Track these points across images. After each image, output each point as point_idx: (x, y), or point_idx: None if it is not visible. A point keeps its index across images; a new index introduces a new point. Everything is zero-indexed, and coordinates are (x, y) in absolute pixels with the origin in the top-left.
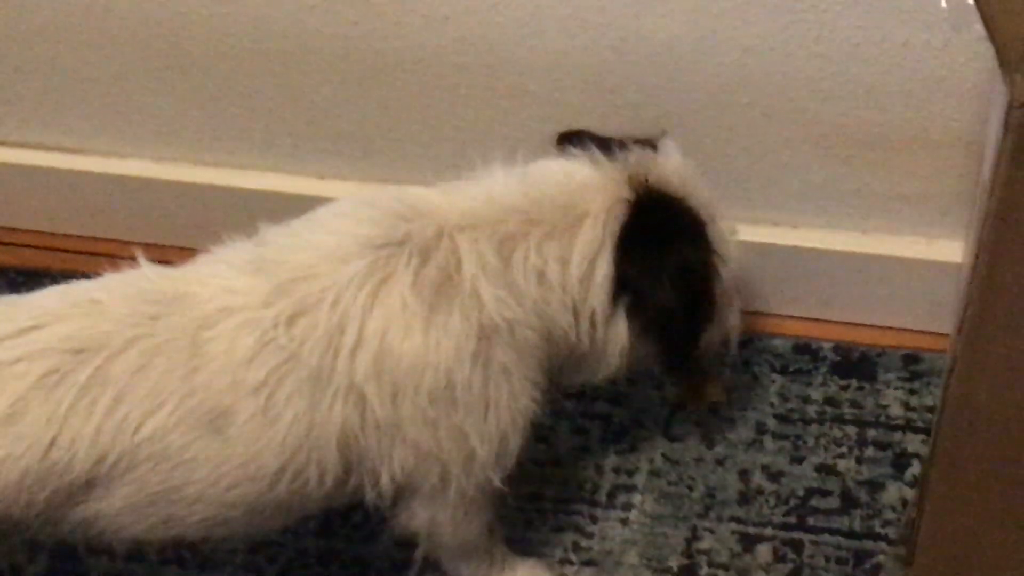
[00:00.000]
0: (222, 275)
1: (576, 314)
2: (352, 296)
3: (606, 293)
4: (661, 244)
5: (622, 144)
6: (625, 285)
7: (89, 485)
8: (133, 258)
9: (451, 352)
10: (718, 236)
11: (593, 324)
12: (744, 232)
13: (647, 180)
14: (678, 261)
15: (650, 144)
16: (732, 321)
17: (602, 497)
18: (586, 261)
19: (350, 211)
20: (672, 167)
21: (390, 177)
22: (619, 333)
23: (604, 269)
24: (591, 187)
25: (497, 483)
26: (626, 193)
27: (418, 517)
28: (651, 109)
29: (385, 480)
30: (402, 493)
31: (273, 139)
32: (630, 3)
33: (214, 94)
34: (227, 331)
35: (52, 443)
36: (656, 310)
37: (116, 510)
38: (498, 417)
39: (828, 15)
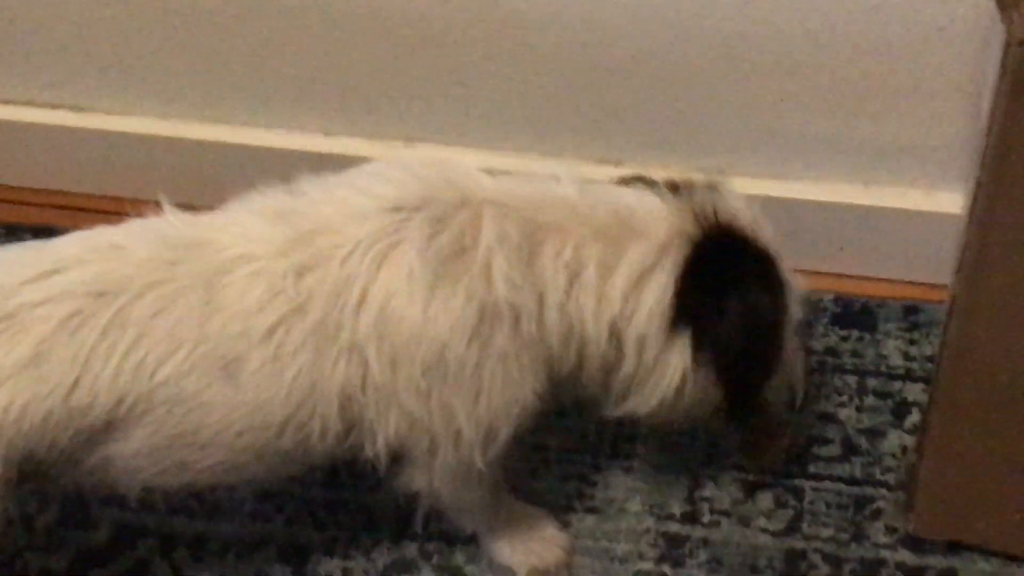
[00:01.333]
0: (244, 223)
1: (612, 329)
2: (360, 256)
3: (662, 319)
4: (731, 280)
5: (687, 184)
6: (686, 317)
7: (109, 427)
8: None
9: (447, 328)
10: (787, 279)
11: (640, 349)
12: (744, 186)
13: (716, 215)
14: (749, 299)
15: (712, 186)
16: (798, 373)
17: (606, 446)
18: (635, 276)
19: (382, 172)
20: (739, 206)
21: (397, 134)
22: (674, 365)
23: (658, 293)
24: (656, 212)
25: (481, 465)
26: (691, 226)
27: (415, 481)
28: (650, 62)
29: (380, 442)
30: (397, 457)
31: (278, 95)
32: None
33: (219, 50)
34: (241, 278)
35: (75, 385)
36: (722, 347)
37: (132, 452)
38: (489, 402)
39: None
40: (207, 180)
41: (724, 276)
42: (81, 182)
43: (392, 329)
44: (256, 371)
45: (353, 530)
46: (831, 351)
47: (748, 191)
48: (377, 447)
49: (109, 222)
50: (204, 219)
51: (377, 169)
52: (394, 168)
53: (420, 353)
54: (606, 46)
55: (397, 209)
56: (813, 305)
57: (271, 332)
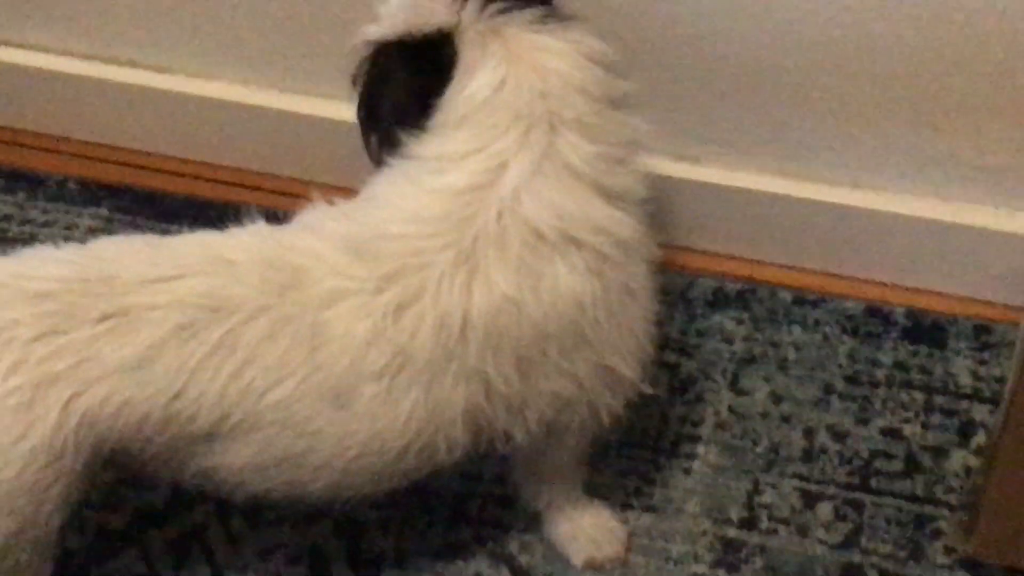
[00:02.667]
0: (327, 257)
1: None
2: (448, 289)
3: None
4: None
5: None
6: None
7: (211, 438)
8: (219, 181)
9: (569, 305)
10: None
11: None
12: (824, 193)
13: None
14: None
15: None
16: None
17: (666, 445)
18: None
19: (411, 194)
20: None
21: None
22: None
23: None
24: None
25: (647, 390)
26: None
27: (544, 450)
28: (738, 65)
29: (520, 437)
30: (536, 438)
31: None
32: None
33: (305, 23)
34: (343, 314)
35: (178, 394)
36: None
37: (238, 467)
38: (633, 332)
39: None
40: (283, 149)
41: None
42: (160, 142)
43: (508, 341)
44: (369, 402)
45: (409, 510)
46: (899, 365)
47: (826, 198)
48: (516, 443)
49: (186, 184)
50: (293, 240)
51: (407, 192)
52: (414, 189)
53: (551, 343)
54: (692, 43)
55: (460, 227)
56: (884, 317)
57: (382, 372)
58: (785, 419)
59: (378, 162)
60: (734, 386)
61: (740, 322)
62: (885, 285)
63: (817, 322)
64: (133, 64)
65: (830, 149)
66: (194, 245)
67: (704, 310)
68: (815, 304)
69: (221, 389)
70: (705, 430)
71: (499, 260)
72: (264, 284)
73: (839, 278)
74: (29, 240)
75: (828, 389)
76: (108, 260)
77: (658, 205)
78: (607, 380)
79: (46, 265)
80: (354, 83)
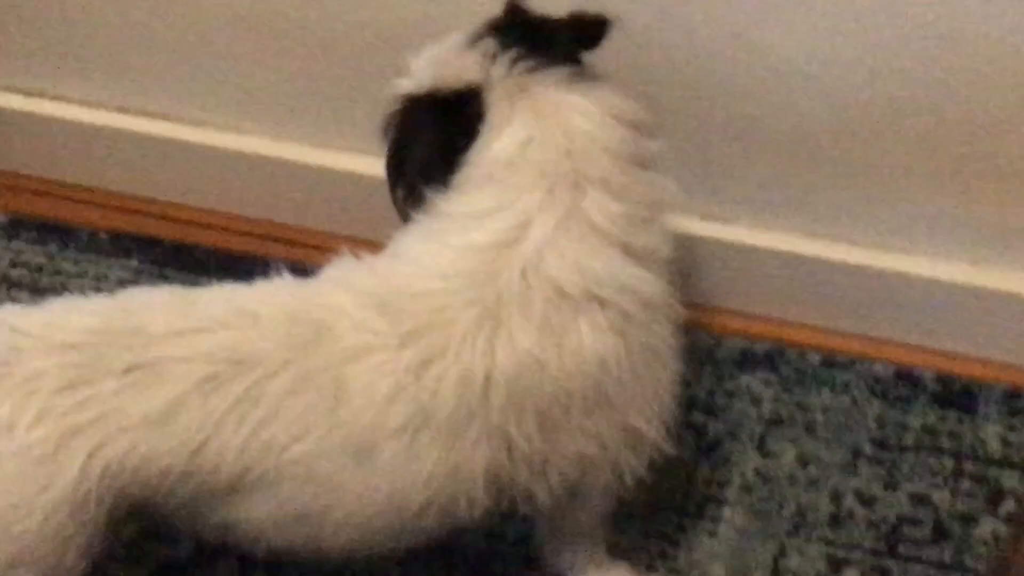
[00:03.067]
0: (352, 313)
1: None
2: (471, 347)
3: None
4: None
5: None
6: None
7: (232, 491)
8: (248, 234)
9: (592, 364)
10: None
11: None
12: (854, 255)
13: None
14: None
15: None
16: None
17: (691, 507)
18: None
19: (435, 250)
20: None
21: None
22: None
23: None
24: None
25: (670, 450)
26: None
27: (567, 511)
28: (768, 126)
29: (542, 497)
30: (559, 499)
31: None
32: (754, 18)
33: (337, 78)
34: (366, 370)
35: (200, 448)
36: None
37: (259, 520)
38: (657, 393)
39: (958, 44)
40: (317, 203)
41: None
42: (193, 195)
43: (531, 398)
44: (390, 459)
45: (432, 569)
46: (928, 430)
47: (855, 260)
48: (538, 503)
49: (215, 236)
50: (317, 294)
51: (431, 249)
52: (439, 245)
53: (575, 402)
54: (723, 103)
55: (484, 286)
56: (913, 381)
57: (403, 429)
58: (812, 483)
59: (405, 217)
60: (761, 448)
61: (768, 383)
62: (914, 348)
63: (846, 385)
64: (165, 117)
65: (859, 211)
66: (220, 298)
67: (732, 371)
68: (844, 366)
69: (243, 443)
70: (731, 492)
71: (522, 318)
72: (288, 339)
73: (868, 340)
74: (59, 290)
75: (856, 453)
76: (134, 312)
77: (686, 264)
78: (630, 441)
79: (73, 316)
80: (383, 136)
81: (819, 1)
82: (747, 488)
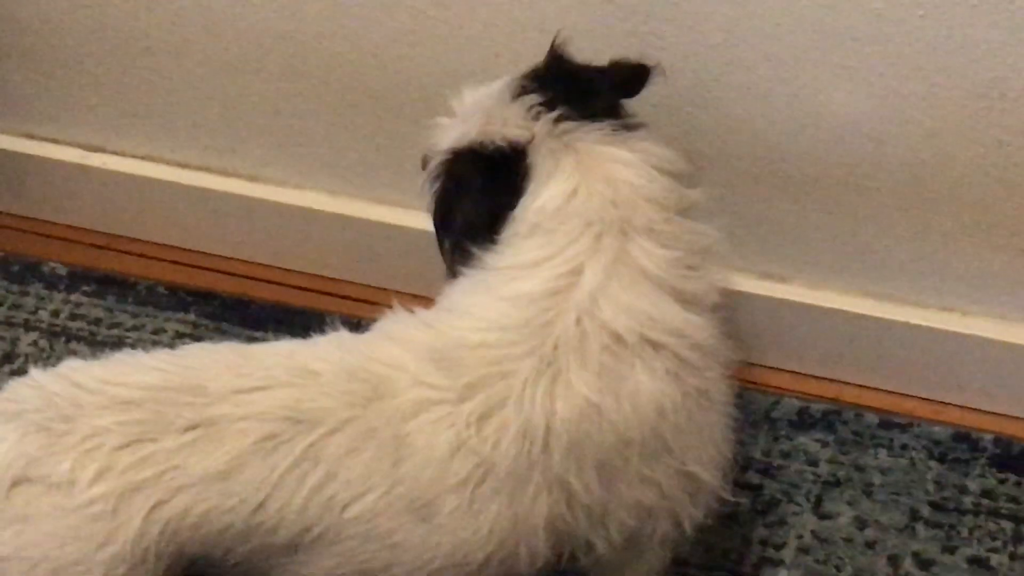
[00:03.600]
0: (410, 366)
1: None
2: (531, 397)
3: None
4: None
5: None
6: None
7: (291, 549)
8: (304, 288)
9: (650, 409)
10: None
11: None
12: (912, 315)
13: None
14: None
15: None
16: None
17: (747, 568)
18: None
19: (490, 297)
20: None
21: None
22: None
23: None
24: None
25: (726, 495)
26: None
27: (625, 565)
28: (827, 186)
29: (602, 547)
30: (616, 551)
31: None
32: (812, 78)
33: (394, 134)
34: (426, 426)
35: (260, 506)
36: None
37: None
38: (713, 438)
39: (1017, 105)
40: (369, 257)
41: None
42: (250, 250)
43: (591, 446)
44: (452, 514)
45: None
46: (987, 493)
47: (914, 321)
48: (597, 554)
49: (267, 291)
50: (374, 350)
51: (484, 301)
52: (490, 298)
53: (633, 450)
54: (784, 162)
55: (539, 333)
56: (971, 444)
57: (464, 482)
58: (869, 545)
59: (453, 271)
60: (818, 509)
61: (825, 444)
62: (973, 410)
63: (903, 446)
64: (223, 172)
65: (917, 271)
66: (279, 355)
67: (788, 431)
68: (902, 428)
69: (304, 502)
70: (787, 554)
71: (580, 365)
72: (347, 396)
73: (926, 402)
74: (117, 343)
75: (914, 515)
76: (195, 369)
77: (743, 323)
78: (688, 487)
79: (133, 372)
80: (428, 187)
81: (878, 62)
82: (804, 550)
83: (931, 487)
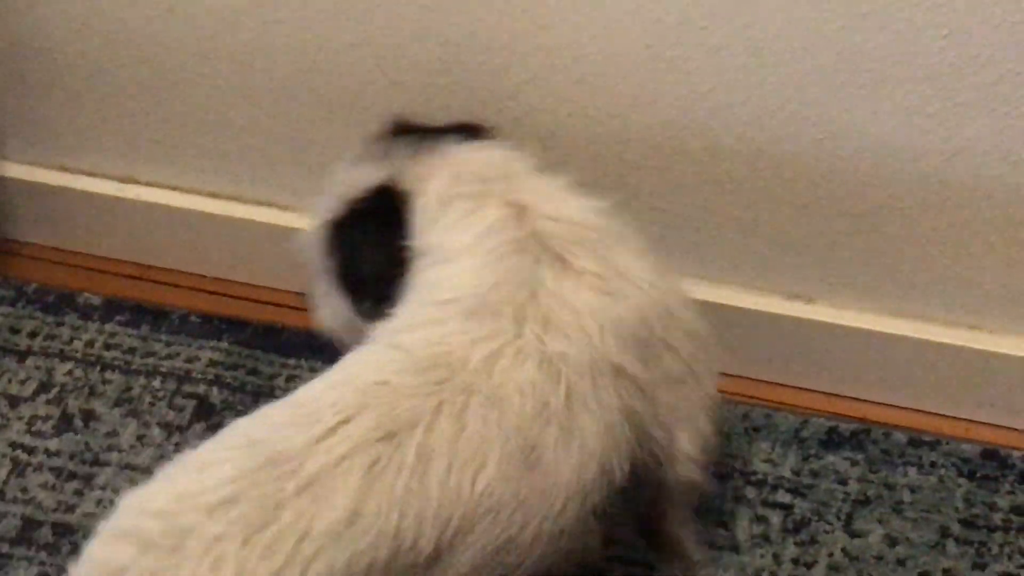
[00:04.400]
0: (457, 329)
1: None
2: (561, 296)
3: None
4: None
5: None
6: None
7: (434, 559)
8: None
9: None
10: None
11: None
12: (940, 334)
13: None
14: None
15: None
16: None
17: None
18: None
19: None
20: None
21: None
22: None
23: None
24: None
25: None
26: None
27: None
28: (854, 204)
29: (661, 440)
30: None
31: None
32: (841, 99)
33: None
34: (507, 372)
35: (397, 528)
36: None
37: None
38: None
39: None
40: None
41: None
42: (282, 279)
43: (621, 324)
44: (555, 447)
45: None
46: (1017, 510)
47: (941, 339)
48: (659, 460)
49: (302, 319)
50: (415, 337)
51: (451, 272)
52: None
53: (654, 322)
54: (807, 182)
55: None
56: (1001, 461)
57: (557, 407)
58: (900, 562)
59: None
60: (848, 528)
61: (854, 463)
62: (1002, 428)
63: (933, 464)
64: (256, 202)
65: (945, 290)
66: (338, 386)
67: (818, 450)
68: (931, 446)
69: (436, 504)
70: (818, 572)
71: (579, 253)
72: (425, 386)
73: (955, 420)
74: (152, 372)
75: (944, 533)
76: (264, 441)
77: (772, 344)
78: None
79: (207, 475)
80: (322, 262)
81: (907, 80)
82: (835, 568)
83: (961, 504)
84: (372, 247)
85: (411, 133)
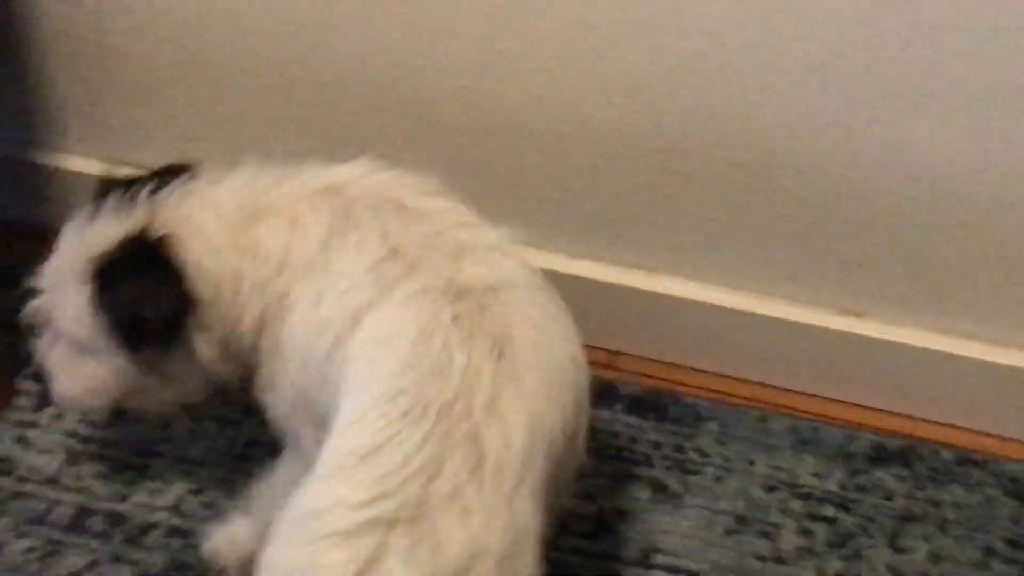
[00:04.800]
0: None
1: None
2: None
3: None
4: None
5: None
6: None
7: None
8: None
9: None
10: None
11: None
12: (990, 353)
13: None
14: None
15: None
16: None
17: None
18: None
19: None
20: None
21: (630, 262)
22: None
23: None
24: None
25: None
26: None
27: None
28: (903, 221)
29: None
30: None
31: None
32: (891, 113)
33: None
34: (479, 253)
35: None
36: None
37: None
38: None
39: None
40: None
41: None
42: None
43: None
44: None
45: None
46: None
47: (988, 358)
48: None
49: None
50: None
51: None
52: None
53: None
54: (861, 197)
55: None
56: None
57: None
58: None
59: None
60: (893, 544)
61: (901, 479)
62: None
63: (979, 483)
64: None
65: (994, 308)
66: (375, 412)
67: (864, 465)
68: (978, 464)
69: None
70: None
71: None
72: (447, 271)
73: (1003, 439)
74: None
75: (989, 551)
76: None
77: (822, 358)
78: None
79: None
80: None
81: (957, 97)
82: None
83: (1006, 523)
84: (153, 302)
85: (119, 186)
